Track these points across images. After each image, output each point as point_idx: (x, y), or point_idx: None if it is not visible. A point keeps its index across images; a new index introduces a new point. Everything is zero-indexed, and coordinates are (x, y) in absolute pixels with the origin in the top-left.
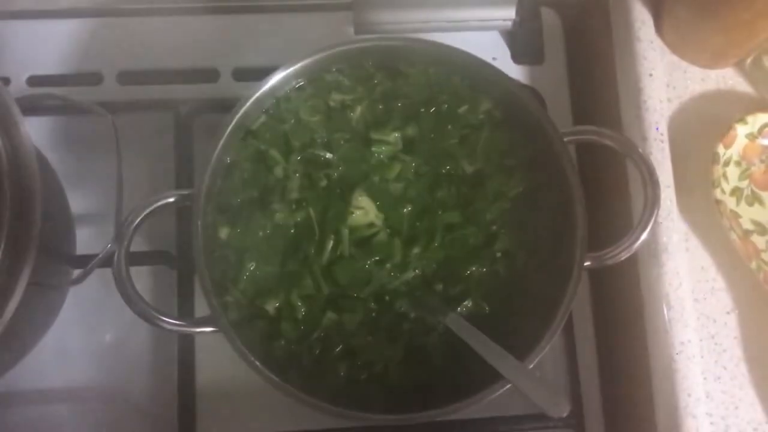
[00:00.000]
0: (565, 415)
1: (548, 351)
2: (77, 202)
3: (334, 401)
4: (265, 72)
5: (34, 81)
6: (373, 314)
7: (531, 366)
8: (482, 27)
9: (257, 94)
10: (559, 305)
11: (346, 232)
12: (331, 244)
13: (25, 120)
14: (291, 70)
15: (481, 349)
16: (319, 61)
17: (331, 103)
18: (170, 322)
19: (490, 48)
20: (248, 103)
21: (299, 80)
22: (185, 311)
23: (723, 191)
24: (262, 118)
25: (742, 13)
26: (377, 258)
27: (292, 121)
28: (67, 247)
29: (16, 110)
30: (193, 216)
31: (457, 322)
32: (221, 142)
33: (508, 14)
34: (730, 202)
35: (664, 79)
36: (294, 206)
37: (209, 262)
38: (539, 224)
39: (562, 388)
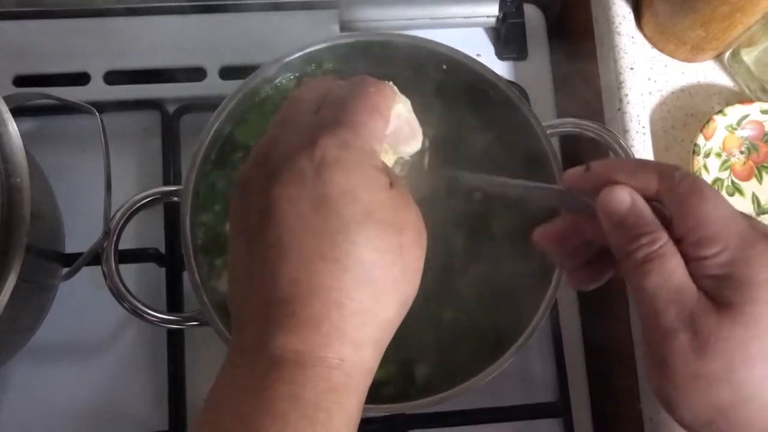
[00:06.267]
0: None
1: (535, 341)
2: (66, 201)
3: None
4: (252, 70)
5: (20, 81)
6: None
7: (516, 354)
8: (466, 24)
9: (243, 92)
10: (543, 295)
11: None
12: None
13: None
14: (276, 66)
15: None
16: (305, 57)
17: None
18: (160, 317)
19: (474, 44)
20: (234, 101)
21: (285, 77)
22: (175, 308)
23: None
24: (248, 115)
25: (720, 6)
26: None
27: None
28: (55, 245)
29: (4, 108)
30: (181, 212)
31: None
32: (207, 140)
33: (491, 11)
34: None
35: (645, 73)
36: None
37: (198, 257)
38: (523, 215)
39: (549, 377)
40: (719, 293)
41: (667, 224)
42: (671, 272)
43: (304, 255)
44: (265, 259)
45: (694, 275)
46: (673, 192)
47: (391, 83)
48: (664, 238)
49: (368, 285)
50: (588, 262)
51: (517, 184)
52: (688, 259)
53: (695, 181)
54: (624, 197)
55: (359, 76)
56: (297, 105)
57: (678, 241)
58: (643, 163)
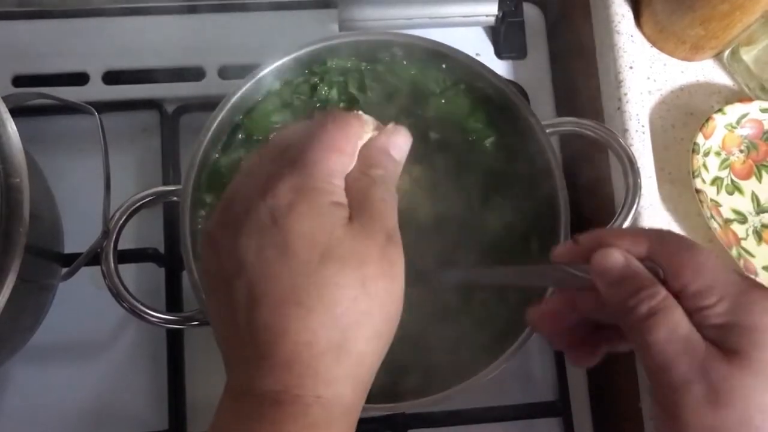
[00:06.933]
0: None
1: (535, 340)
2: (65, 200)
3: None
4: (251, 69)
5: (19, 81)
6: None
7: (516, 353)
8: (465, 23)
9: (242, 91)
10: (544, 294)
11: None
12: None
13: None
14: (275, 66)
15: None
16: (304, 56)
17: (315, 98)
18: (159, 317)
19: (473, 43)
20: (233, 100)
21: (284, 76)
22: (174, 308)
23: (703, 181)
24: (247, 115)
25: (719, 4)
26: None
27: (275, 117)
28: (55, 245)
29: (3, 108)
30: (180, 211)
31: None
32: (206, 139)
33: (490, 10)
34: (711, 192)
35: (645, 72)
36: None
37: (197, 257)
38: (521, 218)
39: (550, 377)
40: (725, 341)
41: (662, 282)
42: (677, 324)
43: (272, 301)
44: (241, 307)
45: (697, 326)
46: (665, 248)
47: (359, 113)
48: (663, 291)
49: (334, 323)
50: (584, 339)
51: (507, 271)
52: (688, 312)
53: (685, 238)
54: (617, 256)
55: (323, 112)
56: (260, 155)
57: (675, 296)
58: (630, 229)
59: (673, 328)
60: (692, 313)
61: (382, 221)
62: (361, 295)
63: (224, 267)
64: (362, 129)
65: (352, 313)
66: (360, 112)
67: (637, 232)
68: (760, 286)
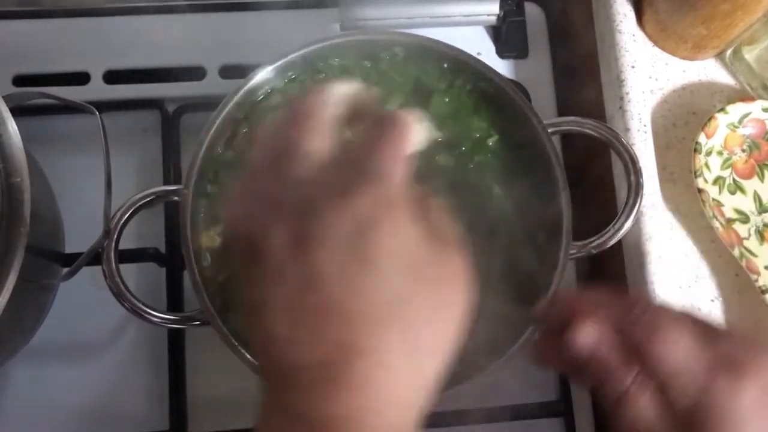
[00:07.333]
0: None
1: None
2: (66, 200)
3: None
4: (252, 69)
5: (19, 80)
6: None
7: (517, 353)
8: (467, 22)
9: (243, 91)
10: (545, 293)
11: None
12: None
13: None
14: (276, 65)
15: None
16: (305, 56)
17: None
18: (160, 317)
19: (474, 43)
20: (234, 100)
21: (286, 75)
22: (175, 307)
23: (705, 180)
24: (251, 110)
25: (721, 4)
26: None
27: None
28: (55, 244)
29: (3, 108)
30: (181, 211)
31: None
32: (207, 139)
33: (492, 9)
34: (713, 191)
35: (646, 71)
36: None
37: (199, 257)
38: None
39: (551, 377)
40: (691, 420)
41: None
42: (640, 412)
43: (349, 319)
44: (308, 324)
45: (668, 403)
46: (635, 330)
47: (416, 115)
48: (630, 377)
49: (414, 345)
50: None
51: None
52: (660, 388)
53: (654, 317)
54: (587, 337)
55: (384, 115)
56: (313, 157)
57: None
58: (604, 299)
59: (638, 414)
60: (663, 389)
61: (458, 247)
62: (440, 317)
63: (289, 283)
64: (420, 133)
65: (433, 336)
66: (415, 115)
67: (612, 304)
68: (729, 367)
